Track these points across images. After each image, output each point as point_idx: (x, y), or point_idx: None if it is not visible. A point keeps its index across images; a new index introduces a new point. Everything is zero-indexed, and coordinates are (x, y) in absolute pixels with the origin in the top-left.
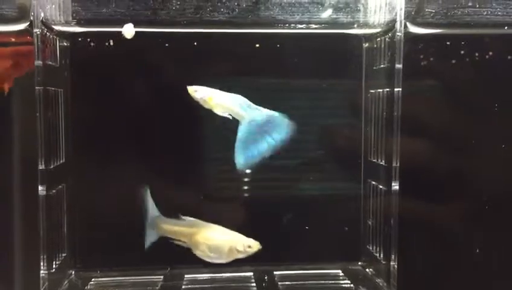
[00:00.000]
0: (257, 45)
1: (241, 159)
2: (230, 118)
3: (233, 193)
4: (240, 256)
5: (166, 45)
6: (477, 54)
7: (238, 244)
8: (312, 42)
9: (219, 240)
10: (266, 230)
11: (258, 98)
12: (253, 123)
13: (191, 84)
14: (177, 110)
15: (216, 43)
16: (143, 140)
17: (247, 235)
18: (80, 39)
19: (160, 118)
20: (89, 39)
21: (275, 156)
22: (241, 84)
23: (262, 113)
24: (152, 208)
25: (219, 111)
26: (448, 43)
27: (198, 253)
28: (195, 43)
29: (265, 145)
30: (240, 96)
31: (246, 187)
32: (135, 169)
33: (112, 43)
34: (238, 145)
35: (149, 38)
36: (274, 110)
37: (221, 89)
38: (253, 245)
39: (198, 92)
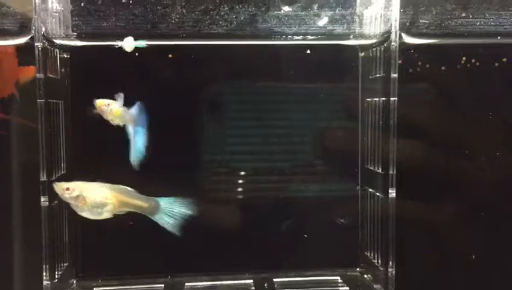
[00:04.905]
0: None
1: (137, 158)
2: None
3: (231, 199)
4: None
5: (167, 56)
6: (470, 63)
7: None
8: (309, 53)
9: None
10: (265, 238)
11: (255, 108)
12: (135, 123)
13: (190, 95)
14: (177, 122)
15: (214, 54)
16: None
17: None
18: (80, 52)
19: (160, 128)
20: (89, 52)
21: (273, 165)
22: (237, 94)
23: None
24: None
25: (117, 122)
26: (442, 52)
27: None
28: (194, 55)
29: (142, 137)
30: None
31: (243, 195)
32: (135, 179)
33: (112, 56)
34: (134, 148)
35: (149, 50)
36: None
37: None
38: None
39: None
